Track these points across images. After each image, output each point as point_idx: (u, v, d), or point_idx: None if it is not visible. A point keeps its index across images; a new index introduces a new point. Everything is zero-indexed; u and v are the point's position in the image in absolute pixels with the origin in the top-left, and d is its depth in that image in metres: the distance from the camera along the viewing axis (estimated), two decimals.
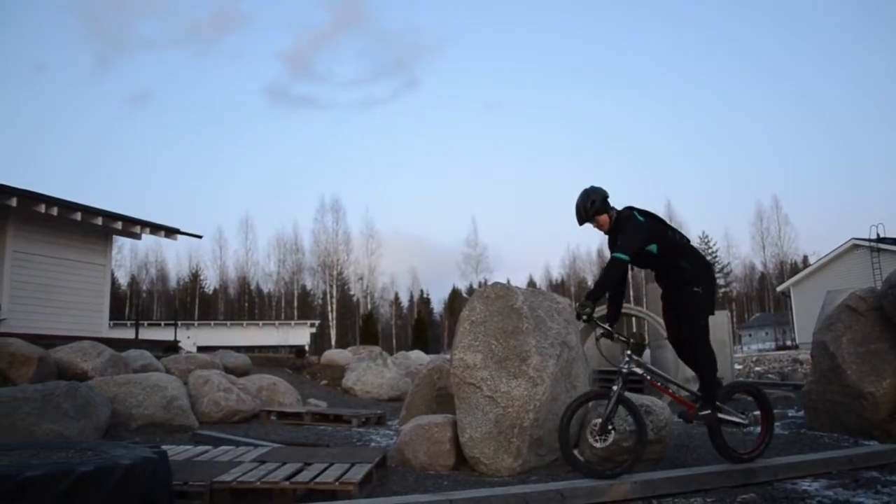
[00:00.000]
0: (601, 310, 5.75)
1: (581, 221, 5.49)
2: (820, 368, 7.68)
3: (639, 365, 5.29)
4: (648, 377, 5.42)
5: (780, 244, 64.21)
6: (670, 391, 5.48)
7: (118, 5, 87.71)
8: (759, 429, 5.63)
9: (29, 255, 15.02)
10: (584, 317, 5.08)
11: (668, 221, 5.51)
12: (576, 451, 5.98)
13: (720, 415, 5.29)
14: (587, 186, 5.50)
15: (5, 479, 2.92)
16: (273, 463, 5.14)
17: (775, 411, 9.31)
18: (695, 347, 5.38)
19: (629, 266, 5.42)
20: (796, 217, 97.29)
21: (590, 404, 5.61)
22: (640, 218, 5.34)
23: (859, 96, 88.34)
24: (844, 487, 4.86)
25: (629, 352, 5.25)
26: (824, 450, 6.30)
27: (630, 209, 5.43)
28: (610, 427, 5.06)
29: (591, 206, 5.42)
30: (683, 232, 5.55)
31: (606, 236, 5.60)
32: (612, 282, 5.36)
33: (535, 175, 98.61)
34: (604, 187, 5.51)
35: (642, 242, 5.28)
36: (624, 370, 5.15)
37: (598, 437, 5.07)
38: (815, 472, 5.32)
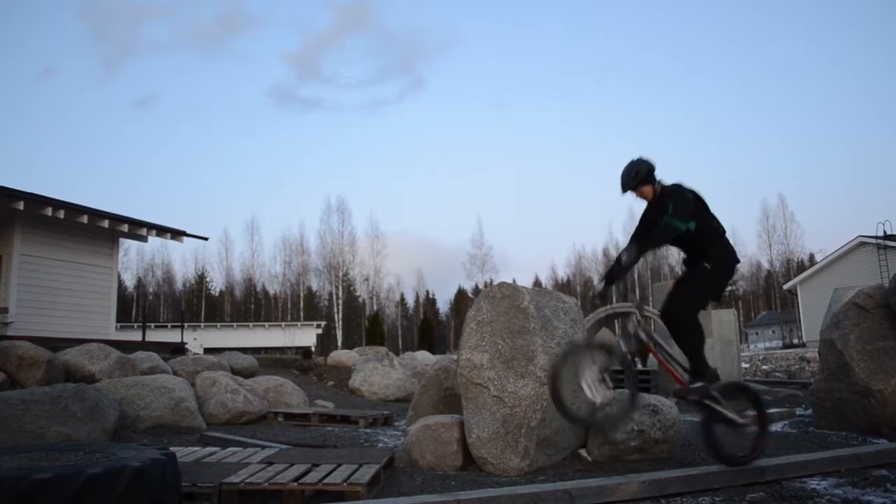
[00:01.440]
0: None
1: (624, 189, 5.44)
2: (828, 366, 7.66)
3: (646, 332, 5.23)
4: (651, 345, 5.30)
5: (787, 242, 64.00)
6: (668, 364, 5.29)
7: (125, 9, 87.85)
8: (752, 428, 5.28)
9: (36, 258, 15.07)
10: (627, 265, 5.07)
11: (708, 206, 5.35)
12: (583, 451, 6.01)
13: (716, 406, 5.03)
14: (635, 157, 5.45)
15: (16, 482, 2.93)
16: (281, 464, 5.15)
17: (782, 410, 9.34)
18: (683, 320, 5.18)
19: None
20: (802, 215, 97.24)
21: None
22: (688, 194, 5.27)
23: (865, 93, 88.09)
24: (854, 486, 4.85)
25: (639, 317, 5.17)
26: (833, 448, 6.29)
27: (678, 185, 5.35)
28: (610, 384, 4.93)
29: (636, 175, 5.37)
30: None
31: (641, 213, 5.58)
32: (659, 245, 5.36)
33: (540, 175, 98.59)
34: (651, 161, 5.44)
35: (689, 217, 5.19)
36: (630, 329, 5.11)
37: (591, 387, 4.85)
38: (823, 471, 5.30)
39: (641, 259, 5.38)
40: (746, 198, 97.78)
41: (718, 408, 5.05)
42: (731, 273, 5.36)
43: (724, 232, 5.37)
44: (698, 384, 5.06)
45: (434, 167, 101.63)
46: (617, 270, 5.20)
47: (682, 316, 5.18)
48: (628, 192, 5.45)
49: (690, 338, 5.18)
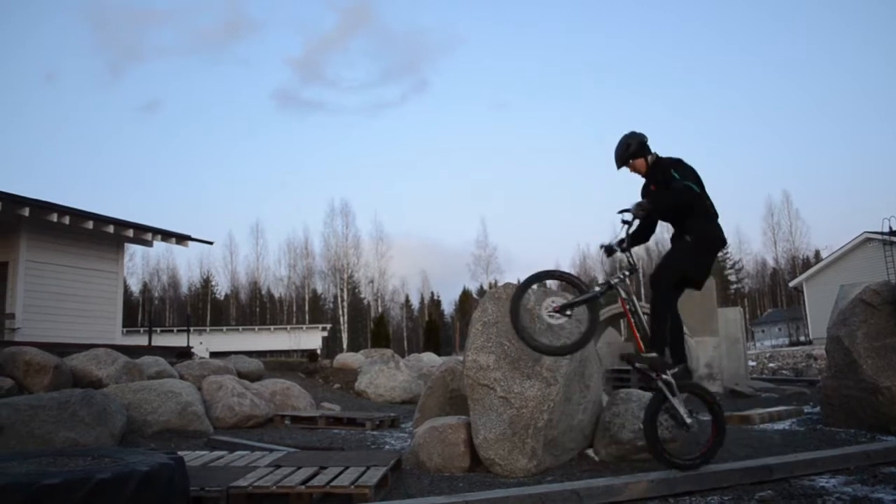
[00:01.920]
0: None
1: (618, 164, 5.46)
2: (835, 364, 7.64)
3: (627, 291, 5.21)
4: (627, 302, 5.20)
5: (792, 239, 63.88)
6: (636, 329, 5.18)
7: (130, 14, 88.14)
8: (702, 435, 5.25)
9: (42, 264, 15.12)
10: (636, 217, 5.09)
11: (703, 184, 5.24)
12: (590, 451, 6.00)
13: (666, 392, 4.96)
14: (626, 132, 5.46)
15: (25, 487, 2.94)
16: (288, 467, 5.15)
17: (790, 407, 9.31)
18: (654, 289, 5.15)
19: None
20: (807, 212, 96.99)
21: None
22: (690, 166, 5.25)
23: (868, 90, 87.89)
24: (863, 483, 4.83)
25: (628, 272, 5.21)
26: (841, 446, 6.27)
27: (679, 158, 5.31)
28: (568, 312, 5.14)
29: (627, 149, 5.39)
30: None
31: (641, 185, 5.51)
32: (672, 204, 5.15)
33: (543, 174, 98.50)
34: (643, 133, 5.44)
35: (698, 179, 5.16)
36: (612, 282, 5.19)
37: (552, 314, 5.14)
38: (832, 469, 5.29)
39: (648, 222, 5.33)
40: (751, 196, 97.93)
41: (668, 395, 4.97)
42: (711, 250, 5.25)
43: (716, 214, 5.24)
44: (652, 354, 4.98)
45: (437, 168, 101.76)
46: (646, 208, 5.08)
47: (654, 285, 5.17)
48: (623, 168, 5.47)
49: (655, 309, 5.11)
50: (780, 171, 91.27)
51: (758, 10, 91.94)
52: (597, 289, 5.20)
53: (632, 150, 5.39)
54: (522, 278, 5.52)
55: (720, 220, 5.27)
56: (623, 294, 5.22)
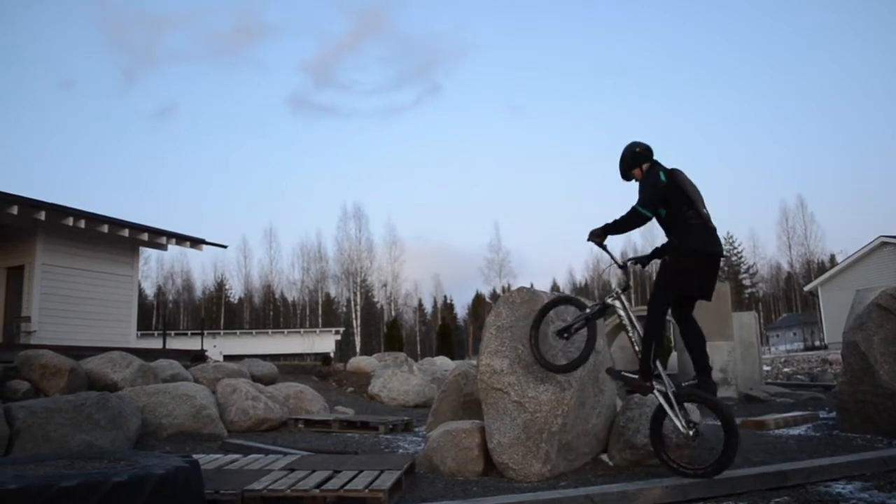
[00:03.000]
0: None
1: (624, 179, 5.52)
2: (851, 369, 7.59)
3: (623, 308, 5.32)
4: (625, 322, 5.29)
5: (807, 243, 63.50)
6: (630, 339, 5.28)
7: (144, 20, 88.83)
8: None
9: (58, 268, 15.24)
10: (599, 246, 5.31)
11: (696, 196, 5.22)
12: (604, 456, 5.98)
13: (665, 405, 5.01)
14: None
15: (42, 490, 2.96)
16: (302, 471, 5.16)
17: (805, 413, 9.25)
18: (647, 310, 5.21)
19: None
20: (822, 216, 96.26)
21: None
22: (663, 177, 5.21)
23: (884, 92, 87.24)
24: (880, 489, 4.80)
25: (622, 292, 5.38)
26: (857, 451, 6.22)
27: (659, 167, 5.32)
28: (566, 335, 5.50)
29: (622, 162, 5.47)
30: (707, 213, 5.19)
31: None
32: (625, 230, 5.25)
33: (557, 178, 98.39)
34: (640, 142, 5.48)
35: (657, 201, 5.15)
36: (607, 301, 5.40)
37: (556, 337, 5.58)
38: (848, 475, 5.26)
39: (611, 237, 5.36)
40: (766, 200, 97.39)
41: (665, 407, 5.03)
42: (690, 266, 5.10)
43: (696, 226, 5.12)
44: (629, 375, 5.19)
45: (450, 172, 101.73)
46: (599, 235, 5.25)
47: (648, 306, 5.27)
48: (630, 181, 5.52)
49: (645, 329, 5.17)
50: (794, 176, 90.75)
51: (772, 14, 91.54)
52: (588, 311, 5.39)
53: (626, 162, 5.48)
54: (536, 309, 5.75)
55: (716, 228, 5.22)
56: (619, 312, 5.33)
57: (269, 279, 68.79)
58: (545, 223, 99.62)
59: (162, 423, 8.18)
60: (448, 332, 41.24)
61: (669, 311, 5.34)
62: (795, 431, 7.99)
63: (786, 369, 26.52)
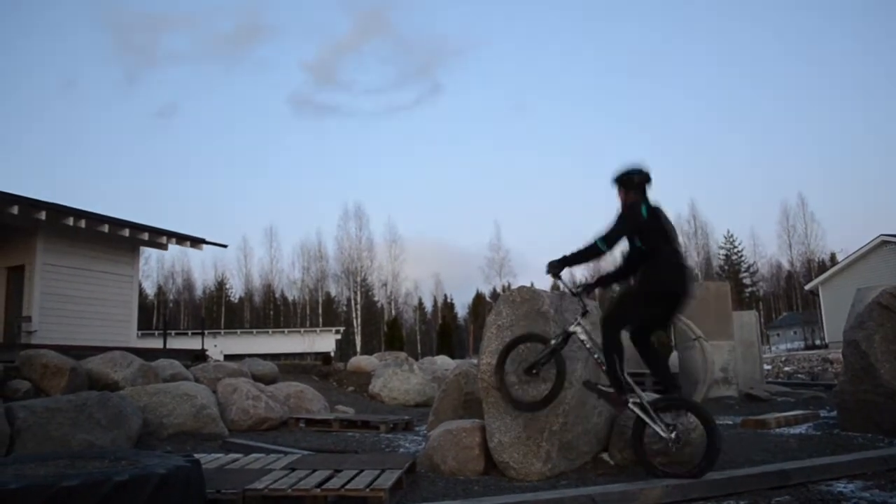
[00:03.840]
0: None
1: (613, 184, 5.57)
2: (852, 368, 7.59)
3: (585, 333, 5.37)
4: (588, 347, 5.37)
5: (807, 242, 63.43)
6: (597, 362, 5.36)
7: (146, 20, 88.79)
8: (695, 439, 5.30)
9: (58, 268, 15.25)
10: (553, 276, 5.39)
11: (673, 234, 5.37)
12: (605, 455, 5.98)
13: (642, 415, 5.12)
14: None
15: (44, 489, 2.96)
16: (303, 470, 5.16)
17: (806, 412, 9.25)
18: (602, 329, 5.34)
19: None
20: (823, 214, 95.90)
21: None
22: (644, 212, 5.28)
23: (885, 89, 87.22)
24: (881, 489, 4.80)
25: (581, 319, 5.41)
26: (859, 450, 6.22)
27: (643, 203, 5.35)
28: (534, 371, 5.51)
29: (617, 178, 5.52)
30: (681, 251, 5.42)
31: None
32: (583, 262, 5.41)
33: (557, 178, 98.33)
34: (647, 172, 5.48)
35: (620, 236, 5.26)
36: (569, 330, 5.38)
37: (521, 377, 5.60)
38: (850, 474, 5.26)
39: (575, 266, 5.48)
40: (766, 199, 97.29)
41: (644, 418, 5.11)
42: (651, 301, 5.21)
43: (673, 258, 5.25)
44: (606, 390, 5.25)
45: (451, 171, 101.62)
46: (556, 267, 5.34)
47: (601, 325, 5.37)
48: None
49: (603, 350, 5.27)
50: (795, 175, 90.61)
51: (773, 12, 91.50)
52: (553, 342, 5.42)
53: (618, 179, 5.53)
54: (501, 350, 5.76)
55: (686, 266, 5.37)
56: (581, 337, 5.37)
57: (269, 278, 68.83)
58: (546, 222, 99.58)
59: (163, 422, 8.18)
60: (448, 332, 41.27)
61: (629, 333, 5.44)
62: (796, 430, 7.99)
63: (786, 368, 26.50)
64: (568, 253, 5.30)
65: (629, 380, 5.19)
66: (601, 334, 5.31)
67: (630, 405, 5.14)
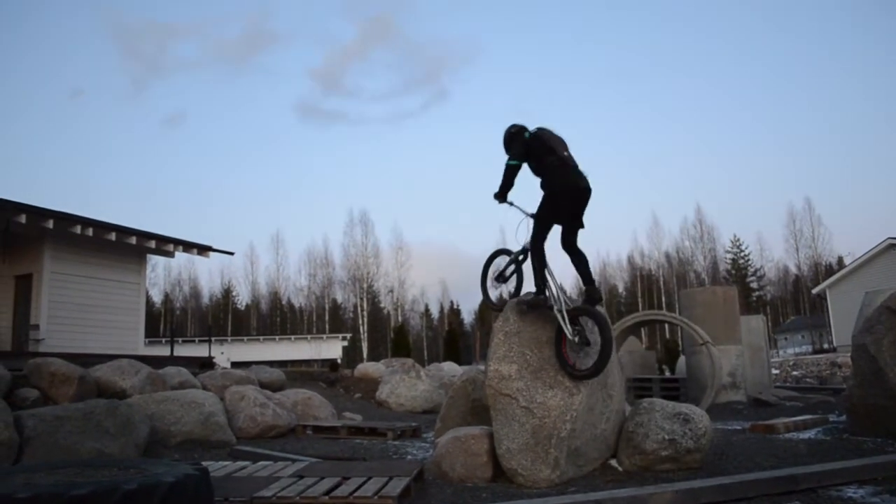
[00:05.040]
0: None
1: (506, 153, 6.27)
2: (861, 372, 7.55)
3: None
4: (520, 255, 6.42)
5: (814, 246, 63.27)
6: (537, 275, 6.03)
7: (153, 28, 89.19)
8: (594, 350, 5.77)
9: (66, 276, 15.30)
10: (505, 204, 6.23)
11: (557, 143, 6.06)
12: (614, 461, 5.96)
13: (558, 318, 5.76)
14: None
15: (53, 498, 2.96)
16: (311, 478, 5.16)
17: (815, 416, 9.22)
18: (530, 243, 6.10)
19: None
20: (829, 218, 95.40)
21: None
22: (527, 135, 6.19)
23: (891, 91, 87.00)
24: (892, 494, 4.77)
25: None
26: (868, 455, 6.19)
27: (523, 132, 6.22)
28: (503, 280, 6.67)
29: (504, 142, 6.34)
30: (567, 155, 6.05)
31: None
32: (509, 182, 6.14)
33: None
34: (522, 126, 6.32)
35: (521, 153, 6.12)
36: (525, 246, 6.28)
37: (494, 284, 6.72)
38: (860, 479, 5.23)
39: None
40: (773, 203, 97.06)
41: (560, 321, 5.74)
42: (554, 202, 5.94)
43: (559, 167, 5.94)
44: (529, 298, 6.02)
45: (456, 177, 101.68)
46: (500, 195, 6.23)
47: (531, 239, 6.09)
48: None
49: (531, 259, 6.05)
50: (801, 178, 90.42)
51: (777, 16, 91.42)
52: (514, 255, 6.56)
53: (505, 142, 6.33)
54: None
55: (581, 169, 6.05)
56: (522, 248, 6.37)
57: (276, 285, 68.88)
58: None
59: (171, 430, 8.18)
60: (455, 338, 41.09)
61: (560, 241, 6.14)
62: (805, 435, 7.96)
63: (794, 372, 26.41)
64: (499, 184, 6.17)
65: (551, 285, 5.92)
66: (530, 245, 6.08)
67: (554, 311, 5.81)
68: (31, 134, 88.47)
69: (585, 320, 5.86)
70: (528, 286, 6.28)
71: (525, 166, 6.16)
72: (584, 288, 6.08)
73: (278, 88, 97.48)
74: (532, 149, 6.07)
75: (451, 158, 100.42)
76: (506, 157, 6.18)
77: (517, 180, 6.14)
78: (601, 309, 6.09)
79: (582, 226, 6.01)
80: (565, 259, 6.10)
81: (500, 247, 6.85)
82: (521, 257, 6.45)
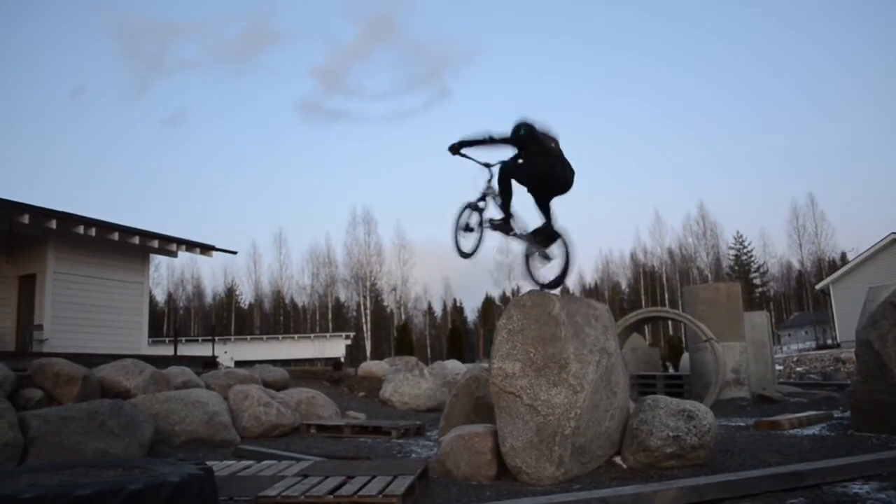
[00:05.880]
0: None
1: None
2: (865, 368, 7.54)
3: (493, 191, 6.88)
4: (492, 196, 6.91)
5: (818, 241, 63.15)
6: (499, 204, 6.82)
7: (155, 28, 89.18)
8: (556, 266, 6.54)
9: (69, 276, 15.32)
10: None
11: (544, 136, 6.55)
12: (618, 458, 5.97)
13: (521, 240, 6.75)
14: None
15: (58, 498, 2.96)
16: (316, 477, 5.16)
17: (819, 412, 9.21)
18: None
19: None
20: (833, 213, 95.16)
21: None
22: (522, 131, 6.60)
23: (893, 87, 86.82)
24: None
25: (490, 183, 6.90)
26: (873, 451, 6.17)
27: (521, 127, 6.61)
28: (469, 228, 7.04)
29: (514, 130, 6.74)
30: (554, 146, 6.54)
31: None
32: (474, 143, 6.78)
33: None
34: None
35: (504, 135, 6.62)
36: (484, 192, 6.95)
37: (462, 234, 7.08)
38: (865, 475, 5.22)
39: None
40: (775, 199, 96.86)
41: (524, 241, 6.72)
42: (529, 172, 6.48)
43: (540, 153, 6.41)
44: (496, 221, 6.83)
45: (459, 175, 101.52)
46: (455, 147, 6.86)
47: (499, 176, 6.72)
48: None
49: (499, 193, 6.76)
50: (804, 174, 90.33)
51: (780, 13, 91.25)
52: (475, 202, 7.04)
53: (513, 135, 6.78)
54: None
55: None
56: (491, 195, 6.94)
57: (279, 284, 68.86)
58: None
59: (175, 430, 8.20)
60: (458, 336, 41.13)
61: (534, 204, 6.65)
62: (810, 431, 7.95)
63: (798, 368, 26.39)
64: (464, 138, 6.81)
65: (515, 214, 6.74)
66: (498, 182, 6.73)
67: (518, 234, 6.72)
68: (34, 134, 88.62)
69: (547, 241, 6.63)
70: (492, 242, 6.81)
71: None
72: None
73: (280, 87, 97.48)
74: (523, 141, 6.57)
75: (453, 157, 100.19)
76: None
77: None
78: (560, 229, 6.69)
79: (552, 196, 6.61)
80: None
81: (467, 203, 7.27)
82: (480, 204, 7.02)
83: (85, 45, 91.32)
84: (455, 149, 6.83)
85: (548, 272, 6.63)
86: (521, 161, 6.57)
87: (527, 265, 6.85)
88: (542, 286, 6.51)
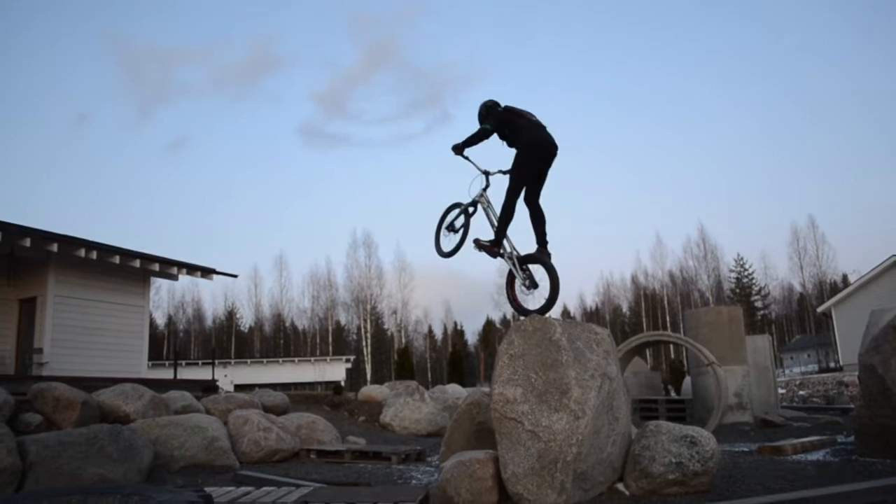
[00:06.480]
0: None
1: (480, 123, 7.15)
2: (869, 392, 7.50)
3: (487, 201, 7.19)
4: (486, 208, 7.17)
5: (819, 264, 63.13)
6: (493, 224, 7.02)
7: (157, 53, 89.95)
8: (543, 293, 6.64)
9: (70, 299, 15.32)
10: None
11: (525, 111, 6.98)
12: (620, 485, 5.92)
13: (508, 264, 6.92)
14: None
15: None
16: (316, 503, 5.12)
17: (823, 437, 9.14)
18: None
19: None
20: (834, 236, 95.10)
21: None
22: (501, 108, 7.11)
23: (894, 108, 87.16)
24: None
25: (484, 192, 7.19)
26: (878, 477, 6.11)
27: (496, 106, 7.17)
28: (455, 231, 7.26)
29: (479, 115, 7.21)
30: (535, 118, 6.93)
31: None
32: (476, 142, 7.00)
33: (566, 203, 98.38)
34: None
35: (493, 122, 7.00)
36: (475, 199, 7.21)
37: (446, 234, 7.32)
38: (869, 501, 5.17)
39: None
40: (776, 221, 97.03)
41: (511, 268, 6.90)
42: (526, 158, 6.72)
43: (526, 123, 6.82)
44: (486, 243, 6.96)
45: (459, 199, 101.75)
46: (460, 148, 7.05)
47: (506, 193, 6.77)
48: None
49: (501, 212, 6.83)
50: (804, 196, 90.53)
51: (780, 32, 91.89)
52: (464, 206, 7.25)
53: (481, 115, 7.19)
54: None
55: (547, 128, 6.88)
56: (483, 207, 7.22)
57: (279, 308, 68.84)
58: (553, 249, 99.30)
59: (174, 455, 8.15)
60: (459, 359, 41.02)
61: (522, 197, 6.82)
62: (813, 457, 7.89)
63: (801, 392, 26.27)
64: (464, 139, 7.00)
65: (508, 238, 6.89)
66: (504, 198, 6.76)
67: (504, 258, 6.89)
68: (36, 158, 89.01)
69: (536, 267, 6.76)
70: (475, 237, 7.20)
71: (496, 141, 7.03)
72: (536, 247, 6.87)
73: (282, 112, 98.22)
74: (504, 119, 6.93)
75: (453, 181, 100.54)
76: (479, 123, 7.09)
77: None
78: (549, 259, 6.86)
79: (543, 181, 6.85)
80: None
81: (454, 204, 7.45)
82: (470, 209, 7.19)
83: (88, 70, 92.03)
84: (458, 149, 7.01)
85: (532, 301, 6.73)
86: (516, 151, 6.77)
87: (510, 291, 6.97)
88: (529, 313, 6.51)
